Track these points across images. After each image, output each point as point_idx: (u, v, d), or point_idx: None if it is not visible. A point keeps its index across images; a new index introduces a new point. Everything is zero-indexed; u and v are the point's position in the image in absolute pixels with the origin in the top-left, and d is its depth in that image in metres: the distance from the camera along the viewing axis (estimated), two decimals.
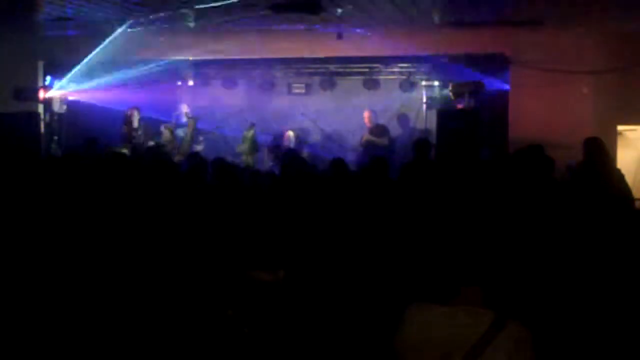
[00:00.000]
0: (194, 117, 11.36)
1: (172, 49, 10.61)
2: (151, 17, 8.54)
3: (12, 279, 4.03)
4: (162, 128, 11.08)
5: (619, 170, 6.65)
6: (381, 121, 11.36)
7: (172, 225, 4.49)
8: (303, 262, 3.98)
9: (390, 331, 2.40)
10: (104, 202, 4.97)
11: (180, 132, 11.36)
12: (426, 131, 11.11)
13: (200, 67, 12.25)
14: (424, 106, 11.78)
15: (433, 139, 9.43)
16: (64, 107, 11.03)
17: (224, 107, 12.46)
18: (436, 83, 11.71)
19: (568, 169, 7.03)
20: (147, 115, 11.15)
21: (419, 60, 10.89)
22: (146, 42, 10.44)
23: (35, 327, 3.74)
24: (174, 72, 12.33)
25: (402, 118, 12.10)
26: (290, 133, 11.73)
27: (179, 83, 13.02)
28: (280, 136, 11.88)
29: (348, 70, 12.00)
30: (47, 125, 11.01)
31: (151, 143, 10.18)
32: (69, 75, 10.83)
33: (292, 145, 11.31)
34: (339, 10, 8.01)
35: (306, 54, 10.70)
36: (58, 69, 11.28)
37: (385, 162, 6.41)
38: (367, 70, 11.94)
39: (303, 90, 12.61)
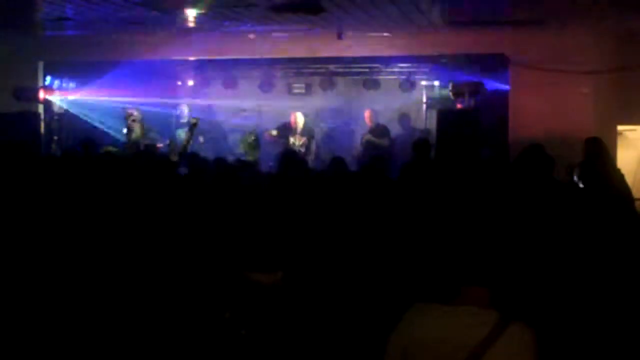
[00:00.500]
0: (196, 119, 11.31)
1: (172, 49, 10.61)
2: (151, 17, 8.53)
3: (12, 278, 4.03)
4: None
5: (619, 170, 6.64)
6: (381, 121, 11.32)
7: (169, 226, 4.48)
8: (301, 264, 3.97)
9: (390, 332, 2.39)
10: (103, 202, 4.97)
11: (181, 133, 11.33)
12: (426, 131, 11.05)
13: (200, 67, 12.24)
14: (424, 106, 11.73)
15: (433, 139, 9.43)
16: (64, 107, 11.04)
17: (224, 107, 12.45)
18: (436, 83, 11.66)
19: (568, 169, 7.01)
20: (147, 115, 11.13)
21: (419, 60, 10.88)
22: (146, 42, 10.46)
23: (33, 326, 3.74)
24: (174, 72, 12.36)
25: (402, 118, 12.06)
26: (298, 114, 11.31)
27: (179, 83, 13.01)
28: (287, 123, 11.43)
29: (348, 70, 11.95)
30: (47, 125, 11.02)
31: (148, 142, 10.10)
32: (69, 75, 10.85)
33: (299, 128, 11.13)
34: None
35: (306, 54, 10.69)
36: (58, 69, 11.29)
37: (384, 161, 6.41)
38: (367, 70, 11.90)
39: (303, 90, 12.56)
